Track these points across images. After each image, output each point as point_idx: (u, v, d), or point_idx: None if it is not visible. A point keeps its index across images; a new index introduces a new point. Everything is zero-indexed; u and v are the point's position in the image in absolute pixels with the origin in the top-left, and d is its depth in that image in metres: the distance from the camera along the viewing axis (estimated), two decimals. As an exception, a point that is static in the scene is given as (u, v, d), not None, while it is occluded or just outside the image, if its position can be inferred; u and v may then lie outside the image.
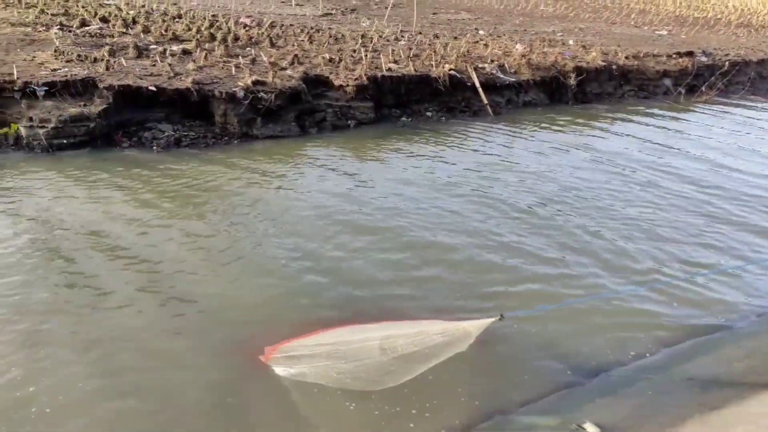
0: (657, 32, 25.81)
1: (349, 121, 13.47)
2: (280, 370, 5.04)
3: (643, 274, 7.06)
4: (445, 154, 11.78)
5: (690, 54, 20.09)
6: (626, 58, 18.68)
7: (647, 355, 5.37)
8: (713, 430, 3.53)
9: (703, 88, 18.69)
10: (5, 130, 10.40)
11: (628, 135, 13.95)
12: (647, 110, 16.79)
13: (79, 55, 12.59)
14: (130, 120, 11.55)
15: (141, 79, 11.89)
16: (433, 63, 15.47)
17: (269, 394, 4.98)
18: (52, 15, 17.18)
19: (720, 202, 9.63)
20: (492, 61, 16.64)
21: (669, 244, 7.87)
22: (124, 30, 15.88)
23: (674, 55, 19.75)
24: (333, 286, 6.61)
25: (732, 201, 9.74)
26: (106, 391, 4.95)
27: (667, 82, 18.82)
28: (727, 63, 20.01)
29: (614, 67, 18.02)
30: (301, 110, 13.02)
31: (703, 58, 20.16)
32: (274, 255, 7.26)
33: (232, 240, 7.62)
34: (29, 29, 15.09)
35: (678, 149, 12.88)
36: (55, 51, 12.72)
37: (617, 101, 17.80)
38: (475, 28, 23.04)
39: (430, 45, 17.91)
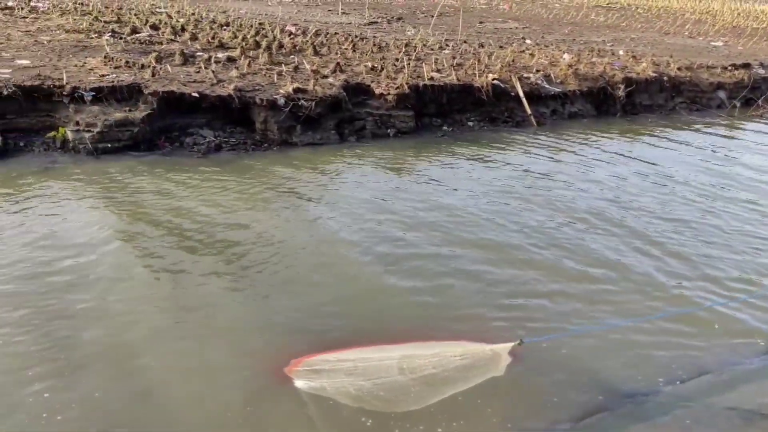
0: (712, 43, 24.96)
1: (388, 130, 13.40)
2: (300, 384, 4.98)
3: (682, 297, 6.72)
4: (487, 165, 11.58)
5: (746, 66, 19.33)
6: (678, 69, 18.09)
7: (685, 381, 5.08)
8: (752, 467, 3.28)
9: (760, 102, 17.92)
10: (53, 133, 10.74)
11: (678, 149, 13.46)
12: (699, 123, 16.18)
13: (127, 62, 12.92)
14: (173, 125, 11.77)
15: (185, 85, 12.11)
16: (477, 72, 15.29)
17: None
18: (105, 22, 17.74)
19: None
20: (537, 71, 16.34)
21: (716, 266, 7.49)
22: (173, 37, 16.25)
23: (729, 67, 19.03)
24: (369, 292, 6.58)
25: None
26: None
27: (722, 94, 18.13)
28: (786, 75, 19.19)
29: (665, 78, 17.46)
30: (341, 118, 13.04)
31: (761, 71, 19.37)
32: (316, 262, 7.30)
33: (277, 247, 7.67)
34: (82, 36, 15.60)
35: (730, 165, 12.34)
36: (105, 57, 13.09)
37: (668, 114, 17.22)
38: (522, 37, 22.73)
39: (474, 54, 17.73)
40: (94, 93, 11.22)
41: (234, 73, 13.16)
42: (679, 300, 6.62)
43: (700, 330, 5.97)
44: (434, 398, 4.69)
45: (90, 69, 12.42)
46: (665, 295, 6.72)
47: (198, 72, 13.11)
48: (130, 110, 11.23)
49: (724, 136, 14.96)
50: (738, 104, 17.80)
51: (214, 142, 11.67)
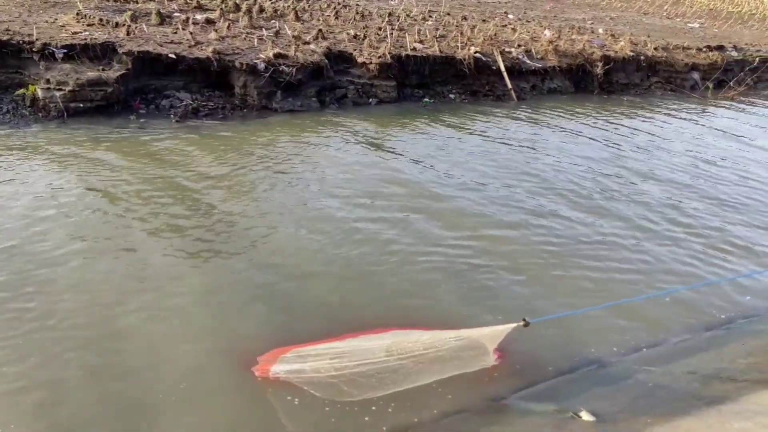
0: (689, 25, 25.20)
1: (370, 99, 13.37)
2: (278, 368, 4.76)
3: (654, 274, 6.93)
4: (466, 137, 11.64)
5: (720, 48, 19.60)
6: (655, 49, 18.26)
7: (649, 347, 5.28)
8: (709, 424, 3.46)
9: (732, 84, 18.23)
10: (22, 91, 10.47)
11: (651, 127, 13.68)
12: (672, 103, 16.45)
13: (101, 19, 12.61)
14: (148, 87, 11.58)
15: (161, 46, 11.89)
16: (459, 45, 15.26)
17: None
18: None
19: (743, 199, 9.41)
20: (519, 45, 16.37)
21: (688, 244, 7.71)
22: (150, -3, 15.86)
23: (704, 49, 19.27)
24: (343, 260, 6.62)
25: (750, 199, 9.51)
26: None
27: (696, 75, 18.38)
28: (757, 59, 19.50)
29: (642, 57, 17.64)
30: (323, 86, 12.96)
31: (734, 53, 19.66)
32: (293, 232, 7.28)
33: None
34: (55, -9, 15.14)
35: (702, 143, 12.60)
36: (77, 14, 12.75)
37: (643, 93, 17.45)
38: (505, 12, 22.68)
39: (457, 26, 17.66)
40: (65, 50, 10.96)
41: (213, 35, 12.94)
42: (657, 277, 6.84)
43: (664, 306, 6.18)
44: (425, 379, 4.61)
45: (61, 26, 12.11)
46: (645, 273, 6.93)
47: (175, 33, 12.86)
48: (103, 69, 11.00)
49: (695, 117, 15.23)
50: (711, 86, 18.08)
51: (192, 106, 11.52)
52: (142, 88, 11.51)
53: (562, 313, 5.52)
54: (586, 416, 4.43)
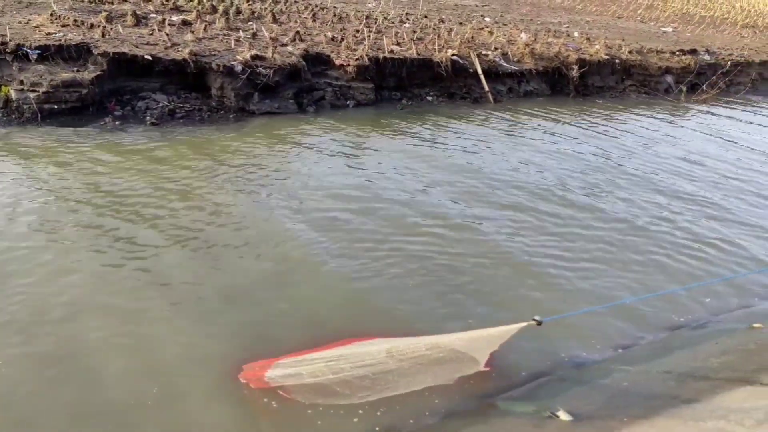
0: (662, 29, 25.63)
1: (348, 102, 13.37)
2: (274, 373, 4.68)
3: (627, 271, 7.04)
4: (444, 140, 11.69)
5: (693, 52, 19.96)
6: (629, 52, 18.55)
7: (626, 348, 5.36)
8: (684, 422, 3.53)
9: (705, 87, 18.57)
10: (-4, 92, 10.30)
11: (626, 130, 13.88)
12: (647, 106, 16.71)
13: (75, 20, 12.43)
14: (124, 88, 11.45)
15: (137, 47, 11.75)
16: (437, 47, 15.34)
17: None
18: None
19: (721, 202, 9.60)
20: (495, 48, 16.50)
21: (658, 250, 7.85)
22: (125, -3, 15.68)
23: (677, 52, 19.62)
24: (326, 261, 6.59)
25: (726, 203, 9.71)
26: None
27: (669, 79, 18.70)
28: (729, 63, 19.90)
29: (617, 61, 17.90)
30: (300, 88, 12.92)
31: (706, 57, 20.04)
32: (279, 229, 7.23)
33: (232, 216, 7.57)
34: (28, -9, 14.89)
35: (674, 145, 12.82)
36: (51, 15, 12.56)
37: (618, 96, 17.70)
38: (482, 15, 22.82)
39: (434, 29, 17.74)
40: (39, 51, 10.80)
41: (189, 36, 12.83)
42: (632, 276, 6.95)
43: (638, 307, 6.29)
44: (422, 383, 4.56)
45: (35, 26, 11.92)
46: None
47: (151, 34, 12.73)
48: (78, 71, 10.85)
49: (671, 116, 15.49)
50: (684, 89, 18.41)
51: (168, 108, 11.41)
52: (117, 90, 11.37)
53: (573, 312, 5.55)
54: (563, 416, 4.48)
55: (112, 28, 12.42)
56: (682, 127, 14.76)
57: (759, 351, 4.66)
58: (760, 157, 12.52)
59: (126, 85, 11.46)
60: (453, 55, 15.10)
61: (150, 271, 6.25)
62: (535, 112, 14.53)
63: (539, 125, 13.41)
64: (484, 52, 15.96)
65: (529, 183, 9.59)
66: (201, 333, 5.39)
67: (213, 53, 12.27)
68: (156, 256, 6.51)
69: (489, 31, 18.51)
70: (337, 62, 13.48)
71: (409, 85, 14.69)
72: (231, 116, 11.77)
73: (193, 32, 13.15)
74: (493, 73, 15.60)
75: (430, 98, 14.76)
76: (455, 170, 9.92)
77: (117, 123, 10.57)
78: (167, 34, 12.60)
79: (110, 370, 4.89)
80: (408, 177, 9.43)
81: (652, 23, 27.31)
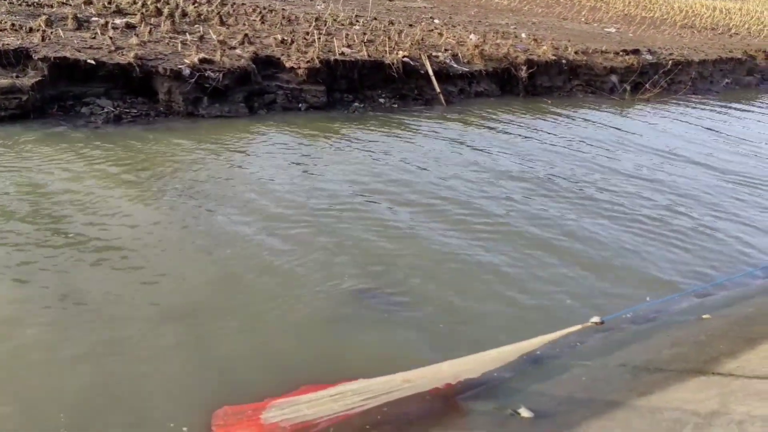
0: (606, 29, 26.35)
1: (300, 105, 13.25)
2: (270, 414, 4.30)
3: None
4: (396, 142, 11.72)
5: (636, 52, 20.58)
6: (576, 53, 18.99)
7: (583, 342, 5.45)
8: (641, 414, 3.60)
9: (648, 86, 19.17)
10: (-71, 99, 9.79)
11: (574, 129, 14.21)
12: (594, 105, 17.15)
13: (13, 24, 11.94)
14: (67, 94, 11.05)
15: (79, 51, 11.37)
16: (387, 49, 15.36)
17: None
18: (-13, -19, 16.24)
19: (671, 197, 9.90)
20: (446, 50, 16.64)
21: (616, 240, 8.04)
22: (64, 0, 15.15)
23: (621, 53, 20.19)
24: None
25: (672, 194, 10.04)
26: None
27: (614, 78, 19.23)
28: (670, 62, 20.61)
29: (564, 61, 18.31)
30: (251, 91, 12.74)
31: (649, 57, 20.69)
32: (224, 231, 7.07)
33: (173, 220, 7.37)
34: (-40, -6, 14.24)
35: (621, 144, 13.20)
36: (-13, 19, 12.04)
37: (566, 95, 18.11)
38: (431, 17, 23.00)
39: (384, 31, 17.77)
40: (-25, 57, 10.31)
41: (134, 40, 12.48)
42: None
43: (588, 301, 6.43)
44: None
45: (-30, 31, 11.39)
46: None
47: (94, 38, 12.32)
48: (17, 77, 10.43)
49: (614, 117, 15.95)
50: (628, 88, 18.96)
51: (113, 113, 11.08)
52: (60, 96, 10.97)
53: (635, 306, 5.50)
54: (525, 413, 4.52)
55: (52, 32, 11.98)
56: (625, 124, 15.20)
57: (709, 342, 4.81)
58: (687, 146, 13.02)
59: (69, 90, 11.07)
60: (404, 56, 15.14)
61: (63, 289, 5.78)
62: (485, 113, 14.71)
63: (488, 126, 13.59)
64: (434, 54, 16.08)
65: (481, 191, 9.70)
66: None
67: (159, 57, 11.97)
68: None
69: (439, 33, 18.66)
70: (288, 65, 13.35)
71: (361, 88, 14.66)
72: (179, 121, 11.50)
73: (137, 36, 12.80)
74: (444, 75, 15.72)
75: (382, 100, 14.77)
76: (403, 175, 9.90)
77: (60, 129, 10.18)
78: (110, 38, 12.23)
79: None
80: (354, 182, 9.35)
81: (595, 24, 28.05)
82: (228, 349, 5.20)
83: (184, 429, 4.27)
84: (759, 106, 20.29)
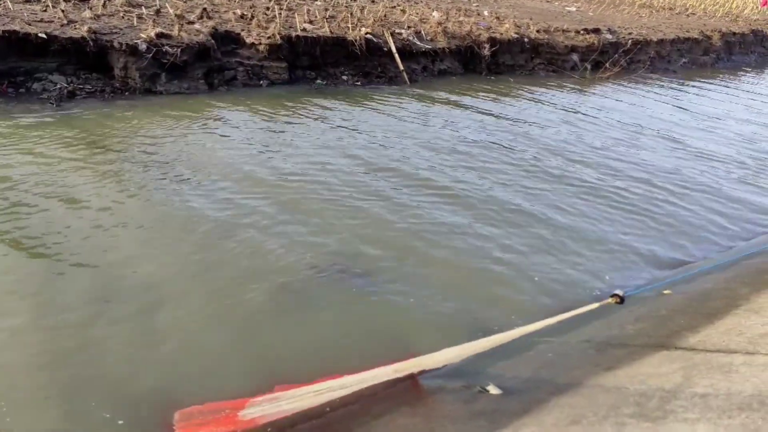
0: (566, 8, 26.54)
1: (261, 81, 13.01)
2: (248, 412, 4.09)
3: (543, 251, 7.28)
4: (359, 119, 11.62)
5: (596, 31, 20.81)
6: (537, 32, 19.09)
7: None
8: (607, 389, 3.69)
9: (608, 65, 19.44)
10: None
11: (538, 106, 14.33)
12: (556, 84, 17.31)
13: (-44, -5, 11.36)
14: (17, 69, 10.60)
15: (29, 24, 10.89)
16: (350, 26, 15.15)
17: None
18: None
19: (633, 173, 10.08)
20: (409, 27, 16.52)
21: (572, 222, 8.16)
22: (11, -30, 14.44)
23: (582, 31, 20.39)
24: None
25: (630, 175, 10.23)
26: None
27: (575, 57, 19.43)
28: (630, 41, 20.91)
29: (526, 40, 18.39)
30: (210, 67, 12.43)
31: (609, 36, 20.94)
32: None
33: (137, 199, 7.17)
34: None
35: (578, 121, 13.37)
36: (-73, -12, 11.41)
37: (528, 73, 18.23)
38: (393, -7, 22.76)
39: (346, 7, 17.52)
40: None
41: (87, 13, 12.01)
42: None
43: (552, 278, 6.53)
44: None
45: None
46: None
47: (45, 11, 11.82)
48: (-37, 50, 9.93)
49: (574, 94, 16.15)
50: (589, 66, 19.19)
51: (67, 89, 10.68)
52: (9, 71, 10.51)
53: (657, 283, 5.50)
54: (493, 390, 4.57)
55: (1, 5, 11.42)
56: (585, 101, 15.40)
57: (670, 316, 4.94)
58: (651, 121, 13.29)
59: (19, 66, 10.60)
60: (367, 33, 14.98)
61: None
62: (448, 91, 14.70)
63: (452, 103, 13.59)
64: (397, 31, 15.94)
65: (451, 159, 9.71)
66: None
67: (114, 31, 11.55)
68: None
69: (402, 10, 18.50)
70: (248, 41, 13.07)
71: (323, 65, 14.47)
72: (136, 97, 11.17)
73: (90, 8, 12.32)
74: (407, 52, 15.63)
75: (345, 78, 14.61)
76: (365, 151, 9.84)
77: (10, 106, 9.77)
78: (62, 11, 11.74)
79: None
80: (314, 159, 9.24)
81: (556, 2, 28.21)
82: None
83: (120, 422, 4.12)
84: (716, 84, 20.80)
